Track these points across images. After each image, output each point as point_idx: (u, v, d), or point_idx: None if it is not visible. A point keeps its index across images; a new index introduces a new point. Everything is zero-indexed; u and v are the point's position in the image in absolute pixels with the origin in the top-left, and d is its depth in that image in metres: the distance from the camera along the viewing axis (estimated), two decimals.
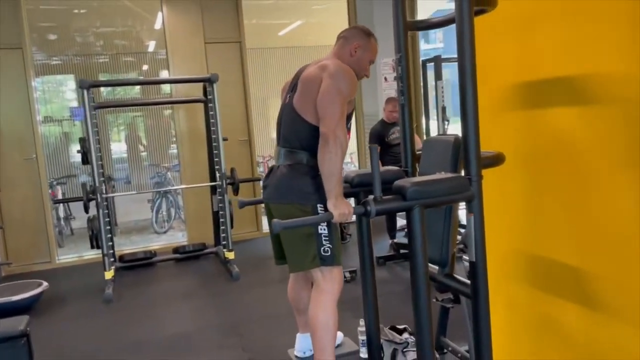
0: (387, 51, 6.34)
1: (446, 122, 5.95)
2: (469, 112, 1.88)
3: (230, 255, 4.97)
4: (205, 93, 5.21)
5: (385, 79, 6.21)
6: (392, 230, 5.22)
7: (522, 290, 2.34)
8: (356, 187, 2.20)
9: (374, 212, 1.78)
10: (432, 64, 6.08)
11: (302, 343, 2.55)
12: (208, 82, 4.85)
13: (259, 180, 6.75)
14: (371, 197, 1.81)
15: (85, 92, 4.40)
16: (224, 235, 5.04)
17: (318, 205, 2.05)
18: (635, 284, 1.82)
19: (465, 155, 1.91)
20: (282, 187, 2.13)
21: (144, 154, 7.78)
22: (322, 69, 2.11)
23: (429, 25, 2.33)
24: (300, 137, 2.12)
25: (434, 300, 3.63)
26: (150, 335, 3.66)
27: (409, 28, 2.29)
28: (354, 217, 1.95)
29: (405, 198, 1.80)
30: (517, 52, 2.12)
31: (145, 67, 7.01)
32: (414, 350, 2.80)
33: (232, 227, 5.15)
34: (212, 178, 5.45)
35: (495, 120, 2.04)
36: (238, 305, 4.17)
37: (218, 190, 5.03)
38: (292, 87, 2.25)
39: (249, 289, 4.55)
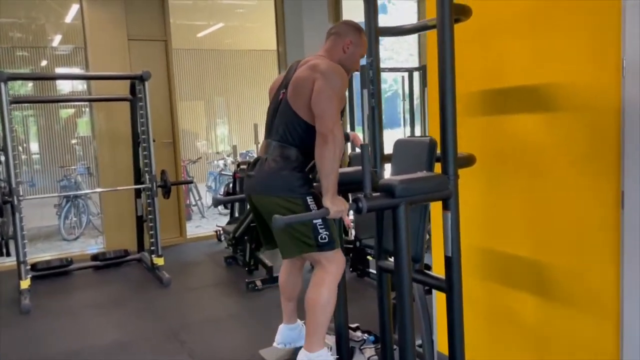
0: None
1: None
2: (447, 115, 2.00)
3: (160, 261, 4.78)
4: (132, 91, 4.99)
5: None
6: None
7: (479, 284, 2.51)
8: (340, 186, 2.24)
9: (365, 209, 1.84)
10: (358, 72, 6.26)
11: (286, 334, 2.52)
12: (139, 79, 4.65)
13: (191, 182, 6.56)
14: (361, 194, 1.86)
15: (2, 85, 4.05)
16: (152, 240, 4.83)
17: (307, 197, 2.07)
18: (588, 274, 2.03)
19: (443, 155, 2.02)
20: (270, 179, 2.12)
21: (47, 155, 7.31)
22: (313, 69, 2.13)
23: (400, 31, 2.43)
24: (294, 133, 2.14)
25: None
26: (83, 345, 3.43)
27: (380, 33, 2.38)
28: (351, 215, 2.01)
29: (393, 195, 1.87)
30: (483, 60, 2.28)
31: (44, 63, 6.58)
32: (370, 347, 2.88)
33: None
34: (137, 181, 5.22)
35: (460, 124, 2.18)
36: (174, 311, 4.03)
37: (147, 193, 4.83)
38: (285, 84, 2.25)
39: (183, 295, 4.40)
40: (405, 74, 6.78)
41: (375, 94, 2.41)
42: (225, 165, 8.86)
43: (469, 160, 2.14)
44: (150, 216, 4.81)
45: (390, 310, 2.47)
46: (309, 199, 2.07)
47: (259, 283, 4.38)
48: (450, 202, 2.01)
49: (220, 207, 8.60)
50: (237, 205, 5.86)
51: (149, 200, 4.80)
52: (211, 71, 10.15)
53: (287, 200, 2.05)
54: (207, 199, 8.86)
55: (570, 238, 2.09)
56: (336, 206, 1.84)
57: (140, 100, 4.73)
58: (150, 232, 4.82)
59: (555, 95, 2.08)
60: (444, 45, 1.97)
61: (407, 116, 6.45)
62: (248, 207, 2.44)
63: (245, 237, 4.84)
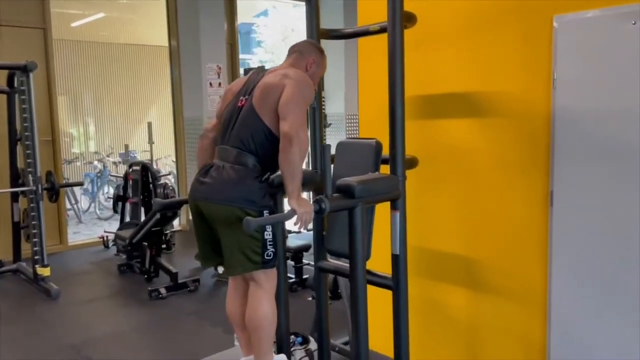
0: (212, 56, 6.35)
1: None
2: (397, 118, 2.07)
3: (45, 272, 4.32)
4: (9, 83, 4.48)
5: (211, 84, 6.14)
6: None
7: (411, 280, 2.61)
8: (275, 188, 2.20)
9: (327, 209, 1.84)
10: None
11: None
12: (22, 70, 4.18)
13: (81, 184, 6.01)
14: (321, 196, 1.86)
15: None
16: (36, 249, 4.36)
17: (264, 211, 2.00)
18: (518, 267, 2.22)
19: (392, 157, 2.09)
20: (227, 188, 2.00)
21: None
22: (284, 76, 2.06)
23: (342, 35, 2.46)
24: (255, 140, 2.05)
25: (310, 298, 3.77)
26: None
27: (322, 36, 2.39)
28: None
29: (353, 196, 1.89)
30: (420, 67, 2.38)
31: None
32: (300, 349, 2.87)
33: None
34: (14, 183, 4.68)
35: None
36: (71, 326, 3.67)
37: (30, 196, 4.34)
38: (247, 91, 2.16)
39: (77, 308, 4.03)
40: None
41: (317, 95, 2.42)
42: (104, 166, 8.26)
43: (412, 162, 2.23)
44: (34, 222, 4.33)
45: (328, 312, 2.49)
46: (266, 214, 2.00)
47: (163, 291, 4.15)
48: (398, 203, 2.08)
49: (100, 212, 8.02)
50: (127, 209, 5.51)
51: (32, 205, 4.32)
52: (88, 65, 9.41)
53: (245, 212, 1.96)
54: (84, 203, 8.20)
55: (501, 235, 2.26)
56: (303, 207, 1.81)
57: (22, 94, 4.24)
58: (34, 240, 4.34)
59: (488, 102, 2.25)
60: (394, 50, 2.04)
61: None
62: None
63: (145, 243, 4.56)
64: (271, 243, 2.02)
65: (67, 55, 8.94)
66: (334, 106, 7.10)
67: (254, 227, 1.63)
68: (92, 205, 8.11)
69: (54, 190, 4.45)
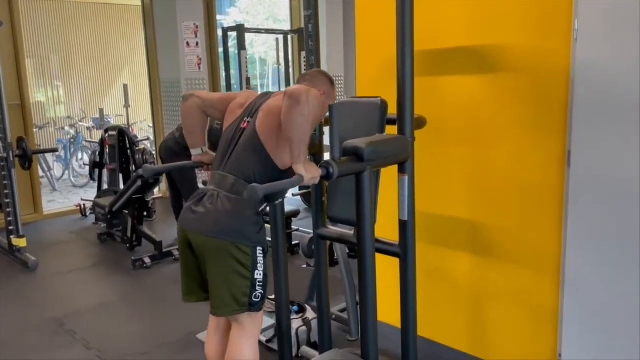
0: (188, 14, 6.03)
1: None
2: (406, 76, 1.91)
3: (21, 243, 4.13)
4: None
5: (188, 43, 5.84)
6: (179, 211, 4.80)
7: (417, 247, 2.52)
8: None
9: (336, 173, 1.69)
10: (235, 33, 5.94)
11: None
12: None
13: (55, 150, 5.73)
14: (329, 159, 1.71)
15: None
16: (10, 219, 4.13)
17: (258, 248, 1.86)
18: (529, 231, 2.12)
19: (400, 117, 1.95)
20: (220, 220, 1.83)
21: None
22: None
23: None
24: (255, 168, 1.86)
25: (304, 266, 3.66)
26: None
27: None
28: None
29: (362, 159, 1.75)
30: (424, 19, 2.21)
31: None
32: (297, 318, 2.78)
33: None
34: None
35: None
36: (52, 298, 3.51)
37: (1, 164, 4.09)
38: (251, 112, 1.95)
39: (57, 279, 3.86)
40: (280, 37, 6.59)
41: (314, 51, 2.25)
42: (77, 132, 7.94)
43: (420, 122, 2.09)
44: (6, 191, 4.10)
45: (328, 280, 2.38)
46: (259, 251, 1.85)
47: (147, 260, 4.00)
48: (407, 165, 1.95)
49: (75, 179, 7.73)
50: (105, 176, 5.29)
51: (3, 173, 4.08)
52: (56, 25, 8.95)
53: (236, 247, 1.81)
54: (57, 170, 7.90)
55: (512, 198, 2.16)
56: (310, 173, 1.66)
57: None
58: (7, 210, 4.12)
59: (500, 56, 2.11)
60: (403, 1, 1.87)
61: (266, 82, 6.30)
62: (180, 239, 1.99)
63: (125, 211, 4.37)
64: (260, 284, 1.87)
65: (33, 15, 8.48)
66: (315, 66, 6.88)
67: (261, 194, 1.48)
68: (66, 172, 7.82)
69: (27, 157, 4.21)
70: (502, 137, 2.16)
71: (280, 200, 2.23)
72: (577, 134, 1.91)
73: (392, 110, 2.02)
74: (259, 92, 2.07)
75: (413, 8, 1.88)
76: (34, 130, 7.11)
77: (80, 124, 8.11)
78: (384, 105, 2.04)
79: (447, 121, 2.29)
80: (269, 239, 2.07)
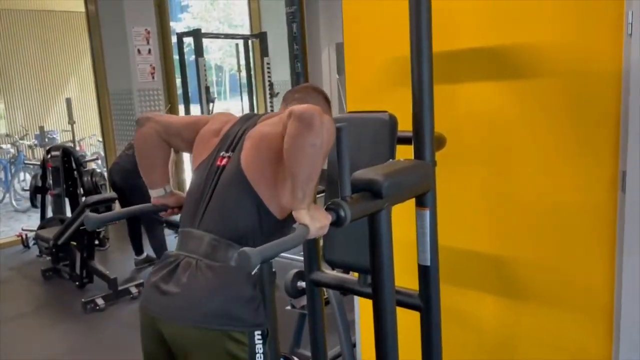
0: (139, 19, 5.48)
1: (211, 104, 5.45)
2: (424, 85, 1.52)
3: None
4: None
5: (139, 51, 5.31)
6: (137, 242, 4.25)
7: None
8: None
9: (349, 218, 1.27)
10: (191, 38, 5.46)
11: None
12: None
13: None
14: (338, 199, 1.29)
15: None
16: None
17: (256, 333, 1.37)
18: (570, 268, 1.76)
19: (417, 137, 1.55)
20: (206, 303, 1.34)
21: None
22: (285, 117, 1.32)
23: None
24: (242, 220, 1.38)
25: (288, 307, 3.20)
26: None
27: None
28: None
29: (379, 195, 1.34)
30: (435, 13, 1.83)
31: None
32: None
33: None
34: None
35: (402, 97, 1.73)
36: None
37: None
38: (231, 143, 1.47)
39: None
40: (241, 42, 6.13)
41: (300, 56, 1.82)
42: (19, 151, 7.24)
43: (439, 142, 1.70)
44: None
45: (325, 328, 1.96)
46: (257, 337, 1.37)
47: (100, 301, 3.46)
48: (428, 198, 1.55)
49: (17, 204, 7.02)
50: (48, 202, 4.70)
51: None
52: (3, 35, 8.21)
53: (230, 337, 1.33)
54: None
55: (547, 229, 1.79)
56: (318, 221, 1.22)
57: None
58: None
59: (530, 58, 1.73)
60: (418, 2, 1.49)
61: (223, 89, 5.85)
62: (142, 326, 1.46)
63: (73, 243, 3.82)
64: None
65: None
66: (280, 73, 6.40)
67: (255, 264, 1.03)
68: (7, 195, 7.10)
69: None
70: (535, 156, 1.78)
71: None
72: (634, 151, 1.55)
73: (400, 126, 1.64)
74: (240, 114, 1.60)
75: (430, 8, 1.49)
76: None
77: (21, 141, 7.38)
78: (393, 121, 1.64)
79: (465, 136, 1.90)
80: None
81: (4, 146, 7.61)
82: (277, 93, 6.08)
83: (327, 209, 1.27)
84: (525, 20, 1.73)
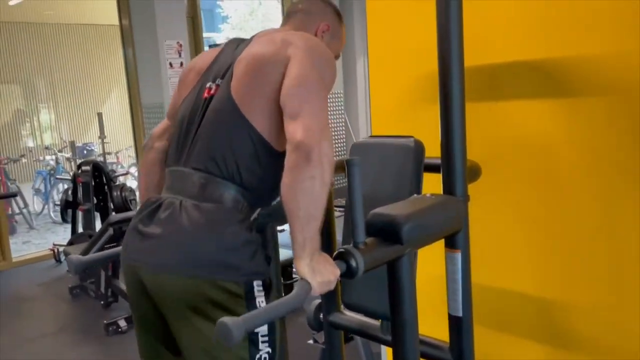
0: (171, 32, 5.45)
1: None
2: (453, 106, 1.32)
3: None
4: None
5: (171, 64, 5.26)
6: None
7: None
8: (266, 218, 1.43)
9: (362, 269, 1.08)
10: None
11: None
12: None
13: (14, 195, 5.11)
14: (350, 246, 1.09)
15: None
16: None
17: (254, 282, 1.18)
18: (630, 315, 1.51)
19: (447, 166, 1.34)
20: (188, 245, 1.17)
21: None
22: (286, 43, 1.24)
23: None
24: (236, 155, 1.22)
25: (310, 341, 3.02)
26: None
27: None
28: None
29: (399, 239, 1.14)
30: (467, 24, 1.62)
31: None
32: None
33: None
34: None
35: (433, 115, 1.53)
36: None
37: None
38: (219, 72, 1.31)
39: (14, 351, 3.22)
40: None
41: None
42: (57, 162, 7.33)
43: (473, 172, 1.48)
44: None
45: None
46: (257, 287, 1.18)
47: (122, 323, 3.36)
48: (459, 239, 1.34)
49: (55, 215, 7.10)
50: (79, 216, 4.67)
51: None
52: (32, 48, 8.40)
53: (219, 287, 1.15)
54: (36, 205, 7.28)
55: (599, 267, 1.54)
56: (321, 275, 1.04)
57: None
58: None
59: (577, 72, 1.50)
60: (447, 4, 1.29)
61: None
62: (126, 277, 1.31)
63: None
64: (265, 339, 1.19)
65: (16, 40, 7.94)
66: None
67: (238, 338, 0.85)
68: (46, 207, 7.19)
69: None
70: (587, 185, 1.54)
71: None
72: None
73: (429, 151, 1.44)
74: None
75: (462, 16, 1.29)
76: (5, 164, 6.55)
77: (60, 154, 7.48)
78: (419, 148, 1.44)
79: (504, 163, 1.67)
80: None
81: (47, 157, 7.73)
82: None
83: (336, 258, 1.08)
84: (575, 28, 1.49)
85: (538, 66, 1.56)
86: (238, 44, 1.37)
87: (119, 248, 1.47)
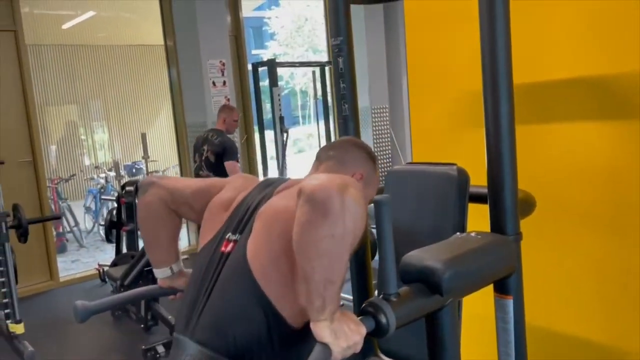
0: (214, 51, 5.46)
1: (284, 134, 5.28)
2: (501, 129, 1.15)
3: (18, 329, 3.51)
4: None
5: (214, 83, 5.26)
6: None
7: None
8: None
9: (393, 326, 0.93)
10: (265, 68, 5.33)
11: None
12: None
13: (57, 218, 5.21)
14: (379, 298, 0.95)
15: None
16: (6, 300, 3.55)
17: None
18: None
19: (495, 201, 1.17)
20: None
21: None
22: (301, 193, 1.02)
23: None
24: (245, 329, 1.06)
25: None
26: None
27: (353, 0, 1.48)
28: None
29: (438, 289, 0.98)
30: (517, 36, 1.45)
31: None
32: None
33: (16, 282, 3.69)
34: None
35: (479, 138, 1.36)
36: None
37: None
38: (238, 223, 1.18)
39: None
40: (317, 69, 5.95)
41: (349, 97, 1.51)
42: (107, 181, 7.48)
43: (526, 205, 1.30)
44: (1, 268, 3.52)
45: None
46: None
47: (160, 349, 3.28)
48: (510, 283, 1.16)
49: (104, 233, 7.23)
50: (124, 237, 4.68)
51: None
52: (86, 70, 8.66)
53: None
54: (87, 223, 7.44)
55: None
56: (346, 338, 0.88)
57: None
58: (3, 290, 3.53)
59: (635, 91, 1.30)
60: (492, 13, 1.13)
61: (308, 113, 5.68)
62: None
63: (140, 282, 3.71)
64: None
65: (59, 61, 8.20)
66: (361, 99, 6.12)
67: None
68: (96, 225, 7.33)
69: (22, 228, 3.63)
70: None
71: None
72: None
73: (475, 180, 1.27)
74: (265, 178, 1.28)
75: (509, 24, 1.13)
76: (53, 184, 6.71)
77: (109, 172, 7.62)
78: (463, 178, 1.28)
79: (563, 192, 1.48)
80: None
81: (97, 176, 7.90)
82: None
83: (362, 314, 0.93)
84: (630, 42, 1.30)
85: (599, 83, 1.37)
86: (265, 187, 1.23)
87: (134, 291, 1.37)
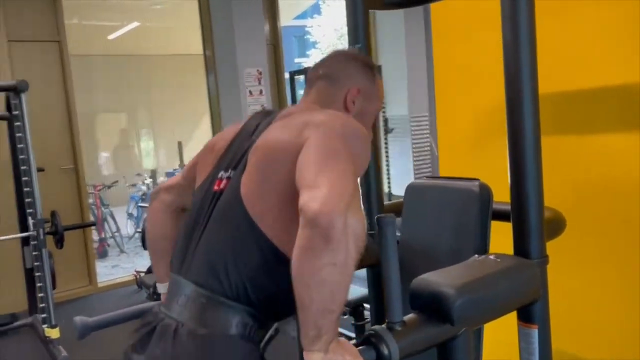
0: (250, 60, 5.49)
1: None
2: (525, 141, 1.06)
3: (54, 334, 3.58)
4: (7, 107, 3.78)
5: (250, 92, 5.27)
6: None
7: None
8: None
9: (395, 358, 0.85)
10: (302, 76, 5.32)
11: None
12: (13, 91, 3.46)
13: (92, 225, 5.33)
14: (381, 327, 0.87)
15: None
16: (42, 305, 3.62)
17: None
18: None
19: (518, 219, 1.08)
20: None
21: None
22: (305, 125, 1.03)
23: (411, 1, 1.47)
24: (242, 267, 1.02)
25: None
26: None
27: (371, 6, 1.41)
28: None
29: (449, 318, 0.90)
30: (546, 41, 1.34)
31: None
32: None
33: (53, 288, 3.76)
34: (24, 225, 3.99)
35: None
36: None
37: (32, 242, 3.62)
38: (233, 160, 1.13)
39: None
40: None
41: None
42: (149, 188, 7.63)
43: (555, 225, 1.20)
44: (38, 273, 3.60)
45: None
46: None
47: None
48: (535, 311, 1.06)
49: (140, 240, 7.37)
50: None
51: (35, 253, 3.60)
52: (129, 79, 8.91)
53: None
54: (129, 229, 7.60)
55: None
56: None
57: (17, 119, 3.52)
58: (40, 295, 3.62)
59: None
60: (516, 11, 1.04)
61: None
62: None
63: None
64: None
65: (106, 70, 8.46)
66: (396, 108, 6.01)
67: None
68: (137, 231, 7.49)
69: (58, 234, 3.70)
70: None
71: None
72: None
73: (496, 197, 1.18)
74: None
75: (534, 27, 1.04)
76: (97, 190, 6.89)
77: (150, 180, 7.78)
78: (485, 194, 1.19)
79: (594, 210, 1.36)
80: None
81: (139, 183, 8.08)
82: (392, 129, 5.71)
83: (362, 344, 0.86)
84: None
85: (632, 92, 1.25)
86: (259, 122, 1.19)
87: (137, 307, 1.34)
